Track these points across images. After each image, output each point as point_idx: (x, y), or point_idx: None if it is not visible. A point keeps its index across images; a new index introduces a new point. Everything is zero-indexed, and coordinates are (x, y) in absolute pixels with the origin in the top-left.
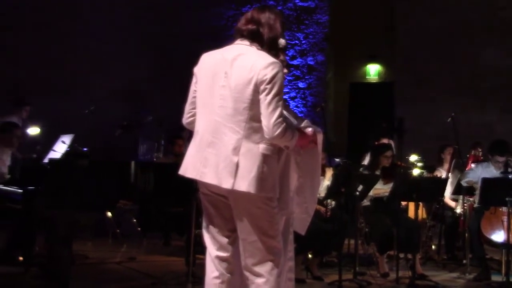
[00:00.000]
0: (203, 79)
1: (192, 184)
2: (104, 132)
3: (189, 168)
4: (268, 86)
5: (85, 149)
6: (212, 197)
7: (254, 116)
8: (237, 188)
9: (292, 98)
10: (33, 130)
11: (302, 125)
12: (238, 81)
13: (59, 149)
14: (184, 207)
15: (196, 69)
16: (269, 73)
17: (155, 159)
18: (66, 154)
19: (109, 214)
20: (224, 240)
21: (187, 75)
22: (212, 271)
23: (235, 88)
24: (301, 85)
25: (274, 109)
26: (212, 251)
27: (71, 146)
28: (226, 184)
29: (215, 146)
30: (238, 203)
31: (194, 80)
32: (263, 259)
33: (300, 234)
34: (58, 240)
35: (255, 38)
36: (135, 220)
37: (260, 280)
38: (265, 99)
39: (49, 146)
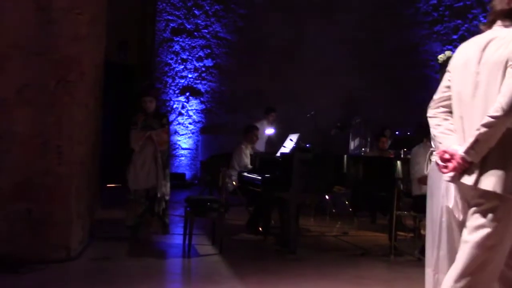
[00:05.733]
0: (456, 72)
1: (394, 174)
2: (323, 131)
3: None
4: None
5: (308, 145)
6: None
7: None
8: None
9: None
10: (269, 131)
11: None
12: (493, 64)
13: (288, 145)
14: (387, 192)
15: (450, 65)
16: None
17: (363, 153)
18: (293, 150)
19: (327, 196)
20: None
21: (393, 86)
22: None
23: (489, 73)
24: None
25: None
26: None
27: (297, 143)
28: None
29: None
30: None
31: (447, 76)
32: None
33: None
34: (288, 216)
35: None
36: (347, 202)
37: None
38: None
39: (280, 143)
